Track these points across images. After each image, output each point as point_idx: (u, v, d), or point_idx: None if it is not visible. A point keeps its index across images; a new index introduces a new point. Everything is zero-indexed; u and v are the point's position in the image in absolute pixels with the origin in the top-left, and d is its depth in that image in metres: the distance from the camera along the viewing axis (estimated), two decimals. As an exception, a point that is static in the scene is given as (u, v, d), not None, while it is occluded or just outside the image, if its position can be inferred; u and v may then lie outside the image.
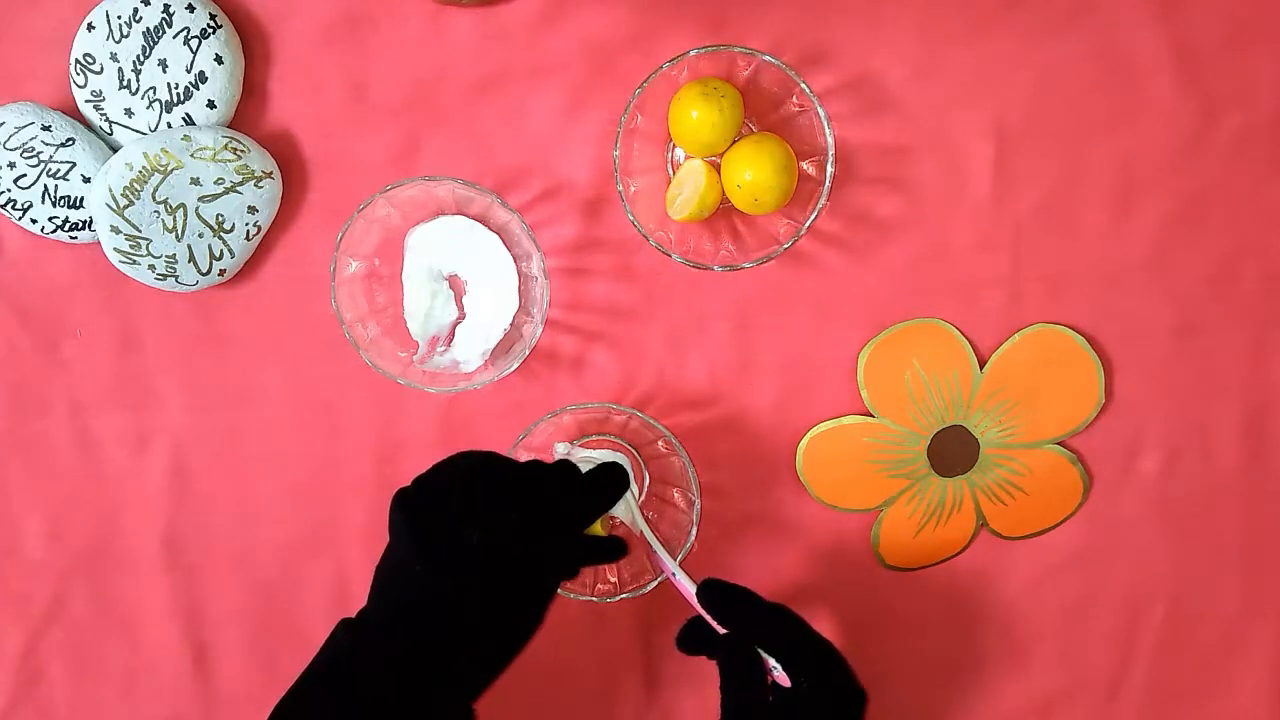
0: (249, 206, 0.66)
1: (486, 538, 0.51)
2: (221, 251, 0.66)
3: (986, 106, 0.68)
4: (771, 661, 0.56)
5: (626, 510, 0.63)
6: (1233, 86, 0.68)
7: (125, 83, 0.65)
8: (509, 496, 0.53)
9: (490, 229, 0.67)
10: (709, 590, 0.58)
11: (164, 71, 0.65)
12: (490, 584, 0.51)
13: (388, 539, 0.54)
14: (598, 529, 0.58)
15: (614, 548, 0.57)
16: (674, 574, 0.59)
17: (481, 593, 0.51)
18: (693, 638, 0.58)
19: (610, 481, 0.57)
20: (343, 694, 0.51)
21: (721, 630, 0.58)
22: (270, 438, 0.70)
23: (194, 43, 0.64)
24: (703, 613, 0.58)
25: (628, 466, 0.66)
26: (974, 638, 0.72)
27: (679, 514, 0.67)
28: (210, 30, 0.65)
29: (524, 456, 0.65)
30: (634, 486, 0.64)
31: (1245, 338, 0.70)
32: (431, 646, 0.51)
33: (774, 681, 0.57)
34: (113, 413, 0.70)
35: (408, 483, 0.54)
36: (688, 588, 0.58)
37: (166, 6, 0.64)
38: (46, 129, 0.65)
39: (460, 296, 0.68)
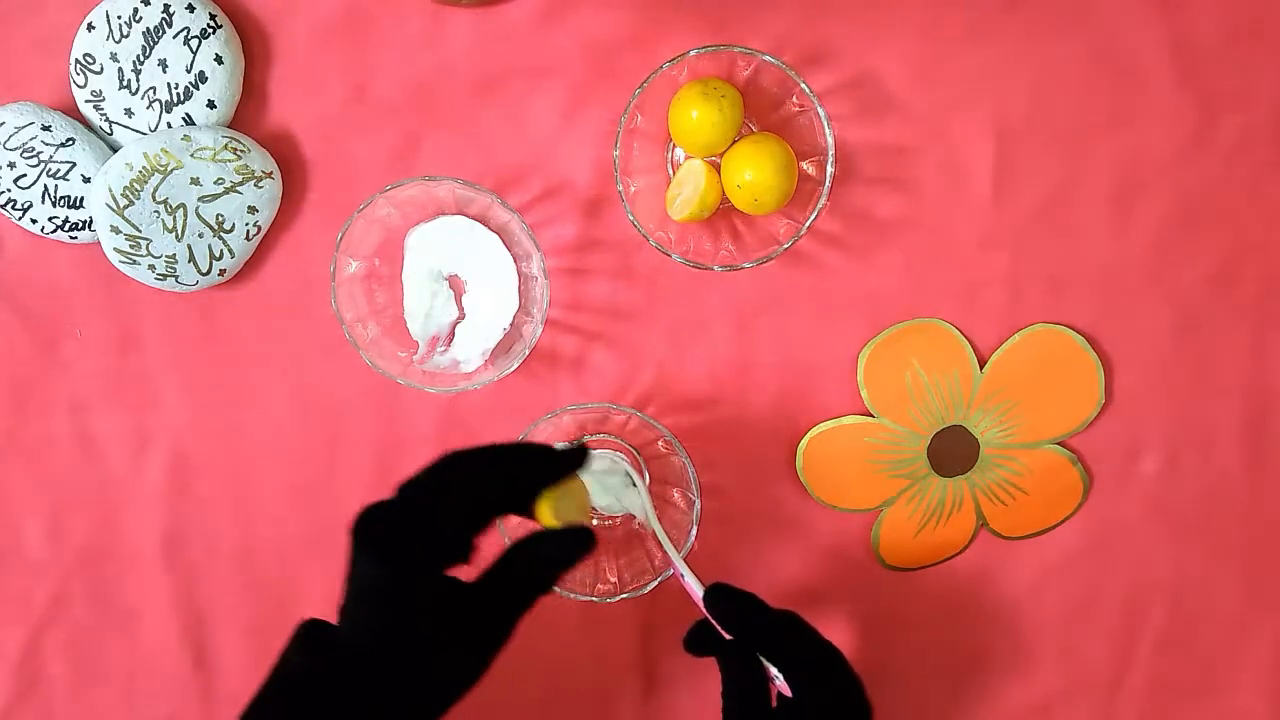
0: (249, 206, 0.66)
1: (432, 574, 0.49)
2: (221, 251, 0.66)
3: (987, 106, 0.68)
4: (774, 670, 0.56)
5: (641, 507, 0.63)
6: (1233, 86, 0.68)
7: (125, 83, 0.65)
8: (461, 521, 0.51)
9: (490, 229, 0.67)
10: (715, 595, 0.57)
11: (164, 71, 0.65)
12: (443, 623, 0.50)
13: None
14: (552, 520, 0.53)
15: (574, 541, 0.52)
16: (683, 576, 0.59)
17: (434, 631, 0.49)
18: (700, 640, 0.58)
19: (553, 457, 0.53)
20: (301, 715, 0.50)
21: (728, 636, 0.57)
22: (270, 438, 0.70)
23: (194, 43, 0.64)
24: (709, 616, 0.58)
25: (628, 466, 0.66)
26: (974, 638, 0.72)
27: (679, 514, 0.67)
28: (210, 30, 0.65)
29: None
30: (642, 487, 0.64)
31: (1245, 338, 0.70)
32: (390, 678, 0.49)
33: (779, 690, 0.56)
34: (113, 413, 0.70)
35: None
36: (696, 591, 0.58)
37: (166, 6, 0.64)
38: (46, 129, 0.65)
39: (460, 296, 0.68)
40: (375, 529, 0.51)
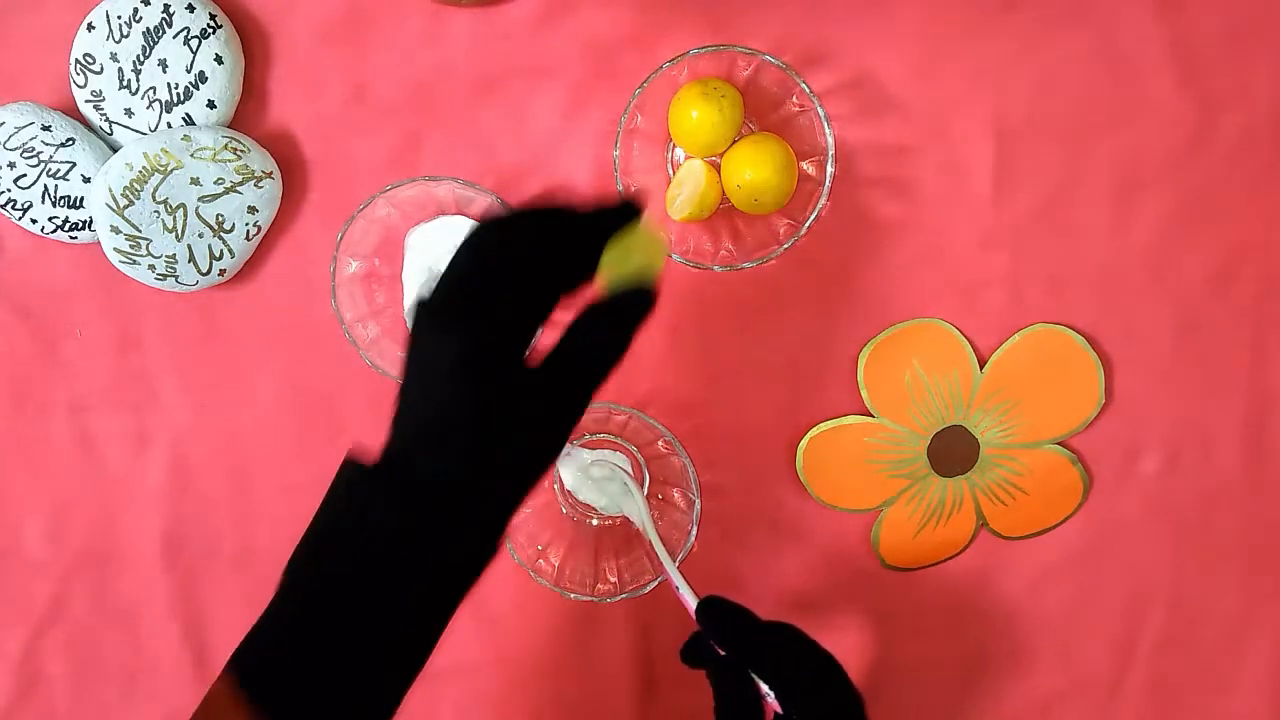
0: (249, 206, 0.66)
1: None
2: (221, 251, 0.66)
3: (986, 106, 0.68)
4: (765, 687, 0.55)
5: (637, 515, 0.63)
6: (1233, 86, 0.68)
7: (125, 83, 0.65)
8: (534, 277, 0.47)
9: (490, 229, 0.67)
10: (706, 610, 0.56)
11: (164, 71, 0.65)
12: (513, 403, 0.45)
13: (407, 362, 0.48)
14: (621, 269, 0.48)
15: (638, 303, 0.48)
16: (678, 587, 0.59)
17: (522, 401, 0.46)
18: (695, 652, 0.57)
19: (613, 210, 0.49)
20: (368, 542, 0.45)
21: (721, 651, 0.57)
22: (270, 438, 0.70)
23: (194, 43, 0.64)
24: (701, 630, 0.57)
25: (627, 466, 0.66)
26: (974, 638, 0.72)
27: (679, 514, 0.67)
28: (210, 30, 0.65)
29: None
30: (638, 495, 0.64)
31: (1245, 338, 0.70)
32: (464, 470, 0.45)
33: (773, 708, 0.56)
34: (113, 413, 0.70)
35: None
36: (689, 603, 0.58)
37: (166, 6, 0.64)
38: (46, 129, 0.65)
39: (460, 296, 0.68)
40: (439, 307, 0.46)
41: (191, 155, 0.65)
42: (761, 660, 0.55)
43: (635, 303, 0.48)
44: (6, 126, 0.65)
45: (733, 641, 0.56)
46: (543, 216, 0.48)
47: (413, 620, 0.46)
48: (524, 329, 0.47)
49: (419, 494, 0.45)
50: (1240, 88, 0.68)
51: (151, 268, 0.66)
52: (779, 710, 0.55)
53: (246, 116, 0.67)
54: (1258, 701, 0.72)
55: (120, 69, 0.65)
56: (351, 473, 0.47)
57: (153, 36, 0.64)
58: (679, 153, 0.67)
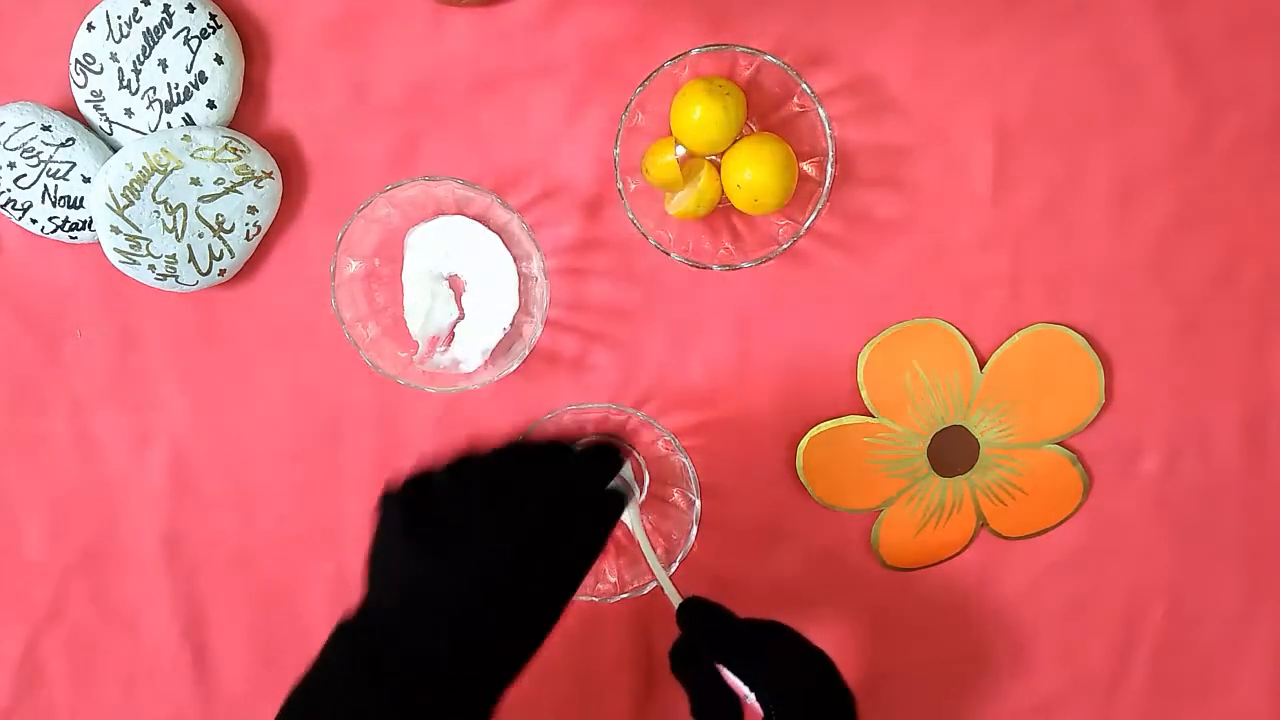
0: (249, 206, 0.66)
1: (512, 516, 0.49)
2: (221, 251, 0.66)
3: (986, 106, 0.68)
4: (744, 689, 0.55)
5: (630, 516, 0.63)
6: (1233, 86, 0.68)
7: (125, 83, 0.65)
8: (525, 468, 0.51)
9: (490, 229, 0.67)
10: (686, 611, 0.56)
11: (164, 71, 0.65)
12: (521, 569, 0.49)
13: (374, 536, 0.51)
14: None
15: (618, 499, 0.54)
16: (663, 588, 0.59)
17: (513, 580, 0.49)
18: (682, 655, 0.57)
19: (607, 451, 0.54)
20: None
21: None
22: (270, 438, 0.70)
23: (194, 43, 0.64)
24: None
25: (629, 475, 0.66)
26: (974, 638, 0.72)
27: (679, 514, 0.67)
28: (210, 30, 0.65)
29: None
30: (636, 488, 0.64)
31: (1245, 338, 0.70)
32: (449, 651, 0.48)
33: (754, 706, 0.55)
34: (113, 413, 0.70)
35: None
36: (674, 604, 0.58)
37: (166, 6, 0.64)
38: (46, 129, 0.65)
39: (460, 296, 0.68)
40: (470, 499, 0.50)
41: (191, 155, 0.65)
42: (739, 659, 0.55)
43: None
44: (6, 126, 0.65)
45: (710, 642, 0.56)
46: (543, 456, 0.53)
47: None
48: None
49: (409, 681, 0.47)
50: (1240, 88, 0.68)
51: (151, 268, 0.66)
52: (757, 710, 0.54)
53: (246, 116, 0.67)
54: (1258, 701, 0.72)
55: (120, 69, 0.65)
56: (344, 649, 0.49)
57: (153, 36, 0.64)
58: (679, 150, 0.67)
